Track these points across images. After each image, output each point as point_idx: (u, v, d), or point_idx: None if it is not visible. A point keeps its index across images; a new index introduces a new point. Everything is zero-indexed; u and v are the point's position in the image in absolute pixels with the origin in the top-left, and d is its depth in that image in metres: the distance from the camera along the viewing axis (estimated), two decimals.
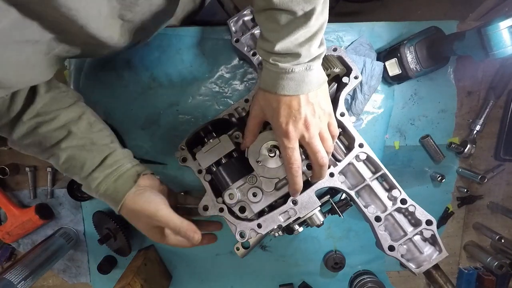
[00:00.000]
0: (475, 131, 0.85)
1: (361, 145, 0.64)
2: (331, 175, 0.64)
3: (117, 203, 0.57)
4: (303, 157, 0.60)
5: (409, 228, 0.64)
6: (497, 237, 0.87)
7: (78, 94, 0.64)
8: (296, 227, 0.64)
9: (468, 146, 0.84)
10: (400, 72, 0.79)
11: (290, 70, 0.50)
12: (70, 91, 0.62)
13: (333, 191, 0.69)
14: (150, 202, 0.57)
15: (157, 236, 0.59)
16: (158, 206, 0.57)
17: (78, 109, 0.61)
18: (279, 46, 0.49)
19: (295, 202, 0.62)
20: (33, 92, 0.56)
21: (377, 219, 0.63)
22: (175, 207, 0.59)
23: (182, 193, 0.81)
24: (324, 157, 0.56)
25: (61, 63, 0.54)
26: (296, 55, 0.49)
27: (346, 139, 0.68)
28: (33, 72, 0.48)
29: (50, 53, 0.46)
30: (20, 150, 0.61)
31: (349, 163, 0.65)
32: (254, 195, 0.61)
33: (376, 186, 0.65)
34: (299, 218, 0.63)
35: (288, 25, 0.47)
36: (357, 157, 0.65)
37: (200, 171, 0.66)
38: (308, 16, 0.46)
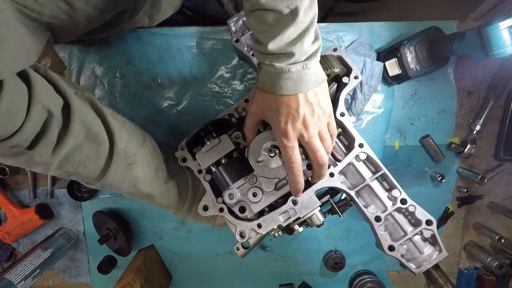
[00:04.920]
0: (475, 131, 0.84)
1: (361, 145, 0.64)
2: (331, 175, 0.64)
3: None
4: (303, 157, 0.60)
5: (409, 228, 0.64)
6: (497, 237, 0.87)
7: (140, 130, 0.65)
8: (296, 227, 0.64)
9: (468, 146, 0.84)
10: (400, 72, 0.79)
11: (287, 70, 0.50)
12: (133, 122, 0.64)
13: (333, 191, 0.69)
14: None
15: None
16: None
17: (149, 142, 0.65)
18: (272, 46, 0.48)
19: (295, 202, 0.62)
20: (109, 132, 0.55)
21: (377, 219, 0.63)
22: None
23: None
24: (323, 157, 0.56)
25: (42, 33, 0.50)
26: (290, 54, 0.49)
27: (346, 139, 0.68)
28: (16, 45, 0.42)
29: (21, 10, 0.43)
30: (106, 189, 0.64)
31: (349, 163, 0.65)
32: (254, 195, 0.61)
33: (376, 186, 0.65)
34: (299, 218, 0.63)
35: (277, 24, 0.47)
36: (357, 157, 0.65)
37: (200, 171, 0.66)
38: (295, 12, 0.45)
